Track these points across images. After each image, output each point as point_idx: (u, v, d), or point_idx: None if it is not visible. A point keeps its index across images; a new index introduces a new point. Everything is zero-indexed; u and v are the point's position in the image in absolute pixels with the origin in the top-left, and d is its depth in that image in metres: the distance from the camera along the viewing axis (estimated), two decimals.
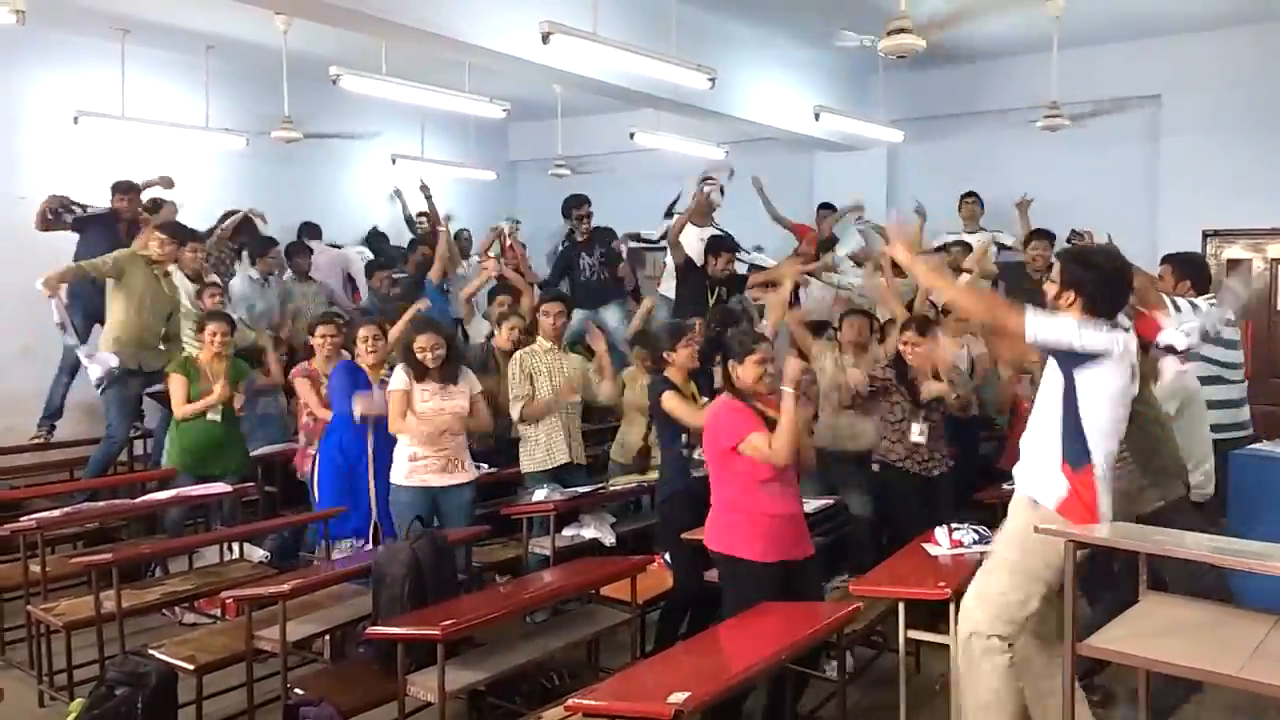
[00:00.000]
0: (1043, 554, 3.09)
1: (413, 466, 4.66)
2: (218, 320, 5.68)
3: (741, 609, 3.59)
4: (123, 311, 5.98)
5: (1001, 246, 7.83)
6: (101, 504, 5.43)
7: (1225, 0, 6.67)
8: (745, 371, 3.76)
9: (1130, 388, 3.10)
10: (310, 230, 8.50)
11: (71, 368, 6.68)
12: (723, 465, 3.77)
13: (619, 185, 8.00)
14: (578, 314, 7.46)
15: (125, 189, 6.83)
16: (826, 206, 8.51)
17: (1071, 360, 3.06)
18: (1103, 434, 3.07)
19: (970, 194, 7.96)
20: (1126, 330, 3.14)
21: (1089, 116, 7.69)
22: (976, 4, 6.69)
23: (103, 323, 6.51)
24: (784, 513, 3.74)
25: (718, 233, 7.37)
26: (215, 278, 6.95)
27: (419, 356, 4.65)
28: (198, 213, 7.51)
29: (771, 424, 3.70)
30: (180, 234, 6.30)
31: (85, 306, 6.55)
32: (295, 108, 7.15)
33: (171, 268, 6.51)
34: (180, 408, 5.47)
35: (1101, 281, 3.10)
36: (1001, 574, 3.21)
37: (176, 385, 5.49)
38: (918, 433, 5.00)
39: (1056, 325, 3.07)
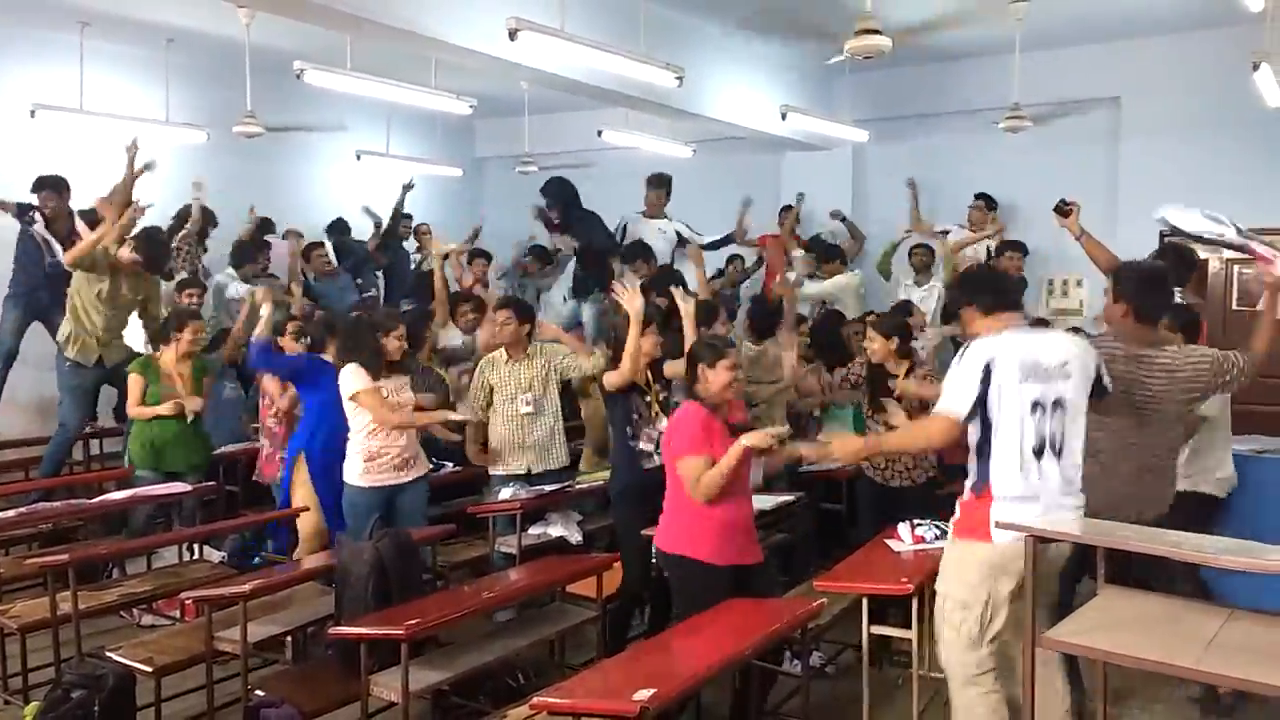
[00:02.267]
0: (955, 578, 3.22)
1: (368, 466, 4.62)
2: (196, 319, 5.64)
3: (692, 611, 3.57)
4: (80, 311, 5.85)
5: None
6: (58, 504, 5.34)
7: (1184, 4, 6.78)
8: (716, 377, 3.68)
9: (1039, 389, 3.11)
10: (265, 226, 8.30)
11: (6, 356, 6.55)
12: (674, 467, 3.73)
13: (587, 183, 7.97)
14: (569, 305, 7.49)
15: (50, 185, 6.54)
16: (788, 209, 8.59)
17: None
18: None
19: (981, 195, 7.89)
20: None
21: (1050, 117, 7.79)
22: (940, 5, 6.76)
23: (44, 320, 6.41)
24: (734, 518, 3.71)
25: (680, 227, 7.52)
26: (185, 274, 6.86)
27: (390, 348, 4.64)
28: (157, 208, 7.36)
29: (735, 431, 3.67)
30: (153, 262, 6.07)
31: (27, 304, 6.44)
32: (258, 102, 7.04)
33: None
34: (134, 409, 5.44)
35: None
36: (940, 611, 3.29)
37: (134, 385, 5.45)
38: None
39: (954, 395, 3.17)
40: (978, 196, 7.94)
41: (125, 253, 5.84)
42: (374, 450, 4.61)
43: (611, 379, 4.51)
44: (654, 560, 4.40)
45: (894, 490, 4.85)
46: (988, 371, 3.10)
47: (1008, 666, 3.26)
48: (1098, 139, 7.94)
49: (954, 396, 3.16)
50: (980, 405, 3.12)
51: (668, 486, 3.83)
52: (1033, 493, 3.10)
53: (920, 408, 4.59)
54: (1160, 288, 3.71)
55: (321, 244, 8.16)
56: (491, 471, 5.29)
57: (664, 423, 4.41)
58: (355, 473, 4.64)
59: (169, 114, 7.68)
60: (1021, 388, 3.08)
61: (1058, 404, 3.11)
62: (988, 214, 7.87)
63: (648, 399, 4.53)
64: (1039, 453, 3.10)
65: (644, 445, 4.48)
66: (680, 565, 3.72)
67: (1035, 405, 3.09)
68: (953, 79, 8.19)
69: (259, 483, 5.74)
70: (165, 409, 5.39)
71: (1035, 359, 3.11)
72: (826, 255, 7.88)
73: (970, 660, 3.19)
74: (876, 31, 5.13)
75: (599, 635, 4.19)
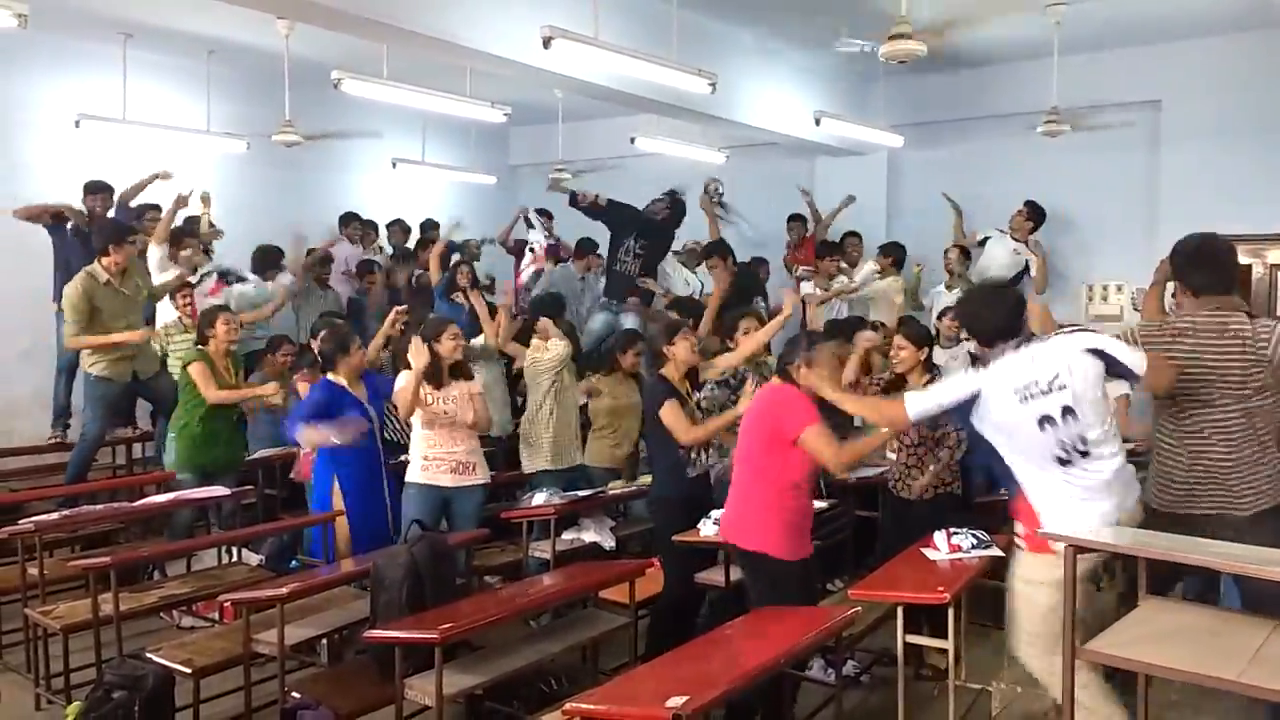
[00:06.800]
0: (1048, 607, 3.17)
1: (425, 464, 4.74)
2: (224, 311, 5.70)
3: (769, 605, 3.64)
4: (107, 324, 5.87)
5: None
6: (100, 507, 5.43)
7: (1225, 6, 6.68)
8: (806, 377, 3.68)
9: (1024, 409, 3.15)
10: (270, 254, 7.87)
11: (69, 367, 6.68)
12: (767, 457, 3.69)
13: (620, 190, 7.99)
14: (601, 316, 7.49)
15: (96, 189, 6.77)
16: (796, 218, 8.58)
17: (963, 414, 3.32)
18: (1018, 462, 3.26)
19: (1029, 203, 7.75)
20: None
21: (1089, 122, 7.70)
22: (976, 8, 6.70)
23: None
24: (805, 511, 3.78)
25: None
26: (192, 278, 6.82)
27: (444, 351, 4.70)
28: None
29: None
30: (117, 234, 6.00)
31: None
32: (297, 112, 7.15)
33: (156, 266, 6.48)
34: (214, 393, 5.37)
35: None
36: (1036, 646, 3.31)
37: (202, 374, 5.39)
38: (891, 449, 4.83)
39: (926, 398, 3.37)
40: (1028, 203, 7.76)
41: (113, 260, 5.88)
42: (429, 452, 4.73)
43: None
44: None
45: (913, 503, 4.72)
46: (973, 399, 3.23)
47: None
48: (1138, 144, 7.83)
49: (924, 400, 3.36)
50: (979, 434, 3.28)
51: (741, 479, 3.81)
52: (1068, 499, 3.17)
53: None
54: (1205, 260, 3.51)
55: (373, 266, 8.18)
56: (547, 468, 5.47)
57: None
58: (414, 470, 4.79)
59: (210, 124, 7.80)
60: (1024, 408, 3.16)
61: (1067, 412, 3.13)
62: (1026, 224, 7.72)
63: (688, 408, 4.52)
64: (1065, 461, 3.16)
65: (696, 459, 4.50)
66: (757, 562, 3.74)
67: (1043, 420, 3.15)
68: (990, 83, 8.12)
69: (295, 481, 5.78)
70: (268, 389, 5.53)
71: (1028, 380, 3.17)
72: (884, 252, 7.86)
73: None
74: (911, 36, 5.10)
75: (632, 641, 4.18)
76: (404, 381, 4.66)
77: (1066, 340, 3.23)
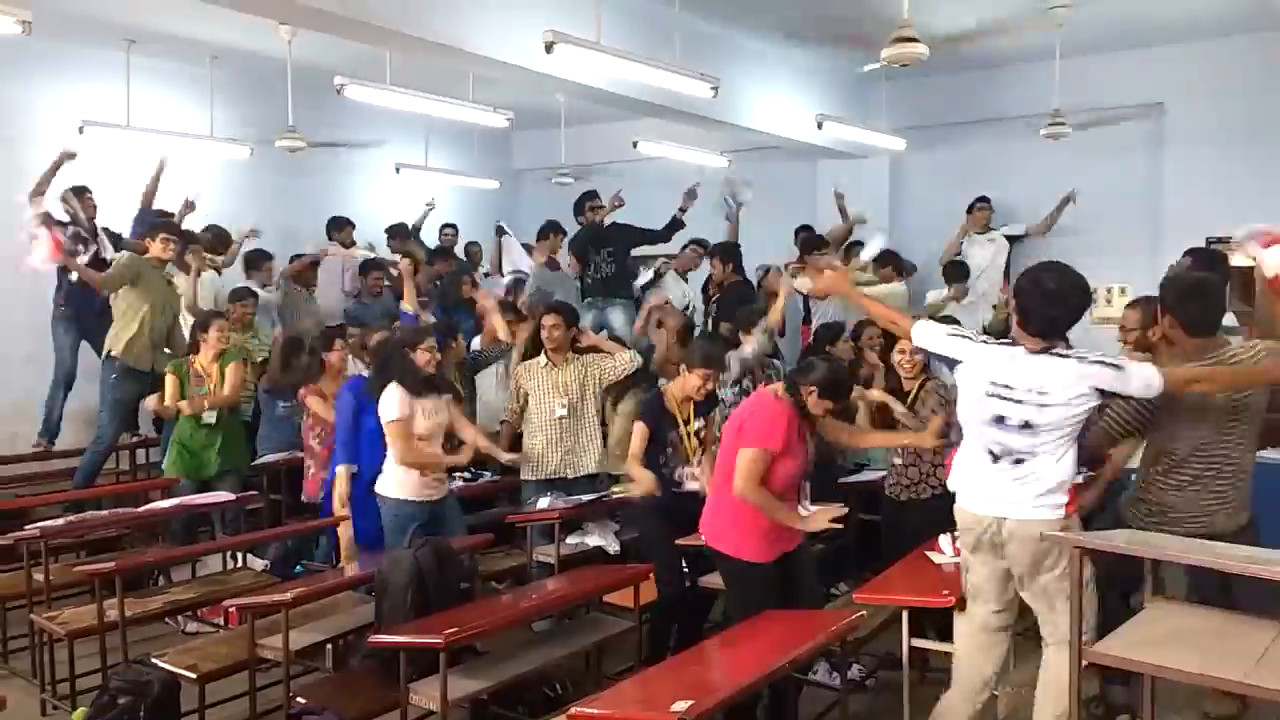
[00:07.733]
0: None
1: (425, 481, 4.60)
2: (218, 318, 5.73)
3: (744, 606, 3.65)
4: (135, 315, 5.98)
5: (1012, 238, 8.02)
6: (104, 513, 5.43)
7: (1228, 9, 6.68)
8: (817, 405, 3.71)
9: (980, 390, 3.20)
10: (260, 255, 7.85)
11: (66, 380, 6.69)
12: (734, 457, 3.72)
13: (624, 194, 8.01)
14: (590, 315, 7.51)
15: (74, 193, 6.75)
16: (806, 229, 8.56)
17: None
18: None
19: (982, 199, 7.98)
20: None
21: (1092, 125, 7.70)
22: (978, 10, 6.71)
23: (91, 341, 6.51)
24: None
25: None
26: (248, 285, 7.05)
27: (420, 361, 4.63)
28: (200, 222, 7.53)
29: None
30: (183, 233, 6.32)
31: (79, 323, 6.57)
32: (299, 117, 7.16)
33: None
34: (159, 405, 5.56)
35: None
36: None
37: (170, 386, 5.54)
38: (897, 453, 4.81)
39: (932, 334, 3.42)
40: (981, 199, 8.00)
41: (158, 247, 6.06)
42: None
43: None
44: (685, 570, 4.41)
45: (906, 504, 4.73)
46: (954, 362, 3.32)
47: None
48: (1141, 146, 7.83)
49: (930, 334, 3.41)
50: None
51: (718, 476, 3.85)
52: (978, 486, 3.26)
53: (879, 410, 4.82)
54: (1199, 295, 3.58)
55: (379, 264, 8.20)
56: (523, 477, 5.36)
57: (698, 459, 4.49)
58: (405, 488, 4.56)
59: (213, 129, 7.82)
60: (987, 401, 3.17)
61: (1025, 426, 3.11)
62: (990, 216, 7.94)
63: (682, 433, 4.53)
64: (996, 457, 3.20)
65: (678, 477, 4.49)
66: (727, 563, 3.79)
67: (998, 419, 3.16)
68: (992, 86, 8.13)
69: (305, 502, 5.76)
70: (184, 406, 5.46)
71: (1005, 380, 3.14)
72: (882, 262, 7.83)
73: (961, 618, 3.43)
74: (914, 39, 5.10)
75: (637, 645, 4.18)
76: (395, 397, 4.53)
77: (1078, 366, 3.08)
